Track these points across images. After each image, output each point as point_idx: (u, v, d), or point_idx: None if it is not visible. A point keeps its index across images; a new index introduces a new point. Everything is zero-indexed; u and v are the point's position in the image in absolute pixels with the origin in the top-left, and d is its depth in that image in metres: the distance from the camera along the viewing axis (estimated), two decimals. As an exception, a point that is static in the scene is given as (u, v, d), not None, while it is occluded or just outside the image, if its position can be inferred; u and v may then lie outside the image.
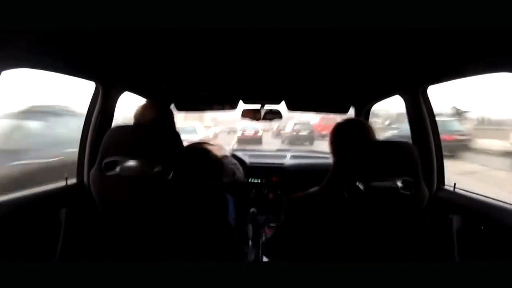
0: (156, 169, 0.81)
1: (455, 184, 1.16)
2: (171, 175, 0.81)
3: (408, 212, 0.85)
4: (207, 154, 1.13)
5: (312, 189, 0.88)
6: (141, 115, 1.02)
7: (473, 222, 1.00)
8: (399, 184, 0.80)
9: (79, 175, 1.26)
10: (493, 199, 1.01)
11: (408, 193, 0.80)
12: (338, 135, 1.00)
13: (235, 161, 1.38)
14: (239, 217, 1.73)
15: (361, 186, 0.77)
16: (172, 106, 1.83)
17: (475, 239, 0.98)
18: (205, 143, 1.49)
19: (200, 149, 1.19)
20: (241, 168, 1.40)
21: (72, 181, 1.23)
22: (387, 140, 0.87)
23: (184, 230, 0.88)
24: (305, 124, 14.19)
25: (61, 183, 1.19)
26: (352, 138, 0.95)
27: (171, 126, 1.06)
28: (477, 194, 1.09)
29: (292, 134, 13.86)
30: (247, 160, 2.16)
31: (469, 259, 1.00)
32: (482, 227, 0.96)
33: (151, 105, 1.05)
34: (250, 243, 1.75)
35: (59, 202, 1.10)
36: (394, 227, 0.85)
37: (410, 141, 1.25)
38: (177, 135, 0.87)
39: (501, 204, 0.96)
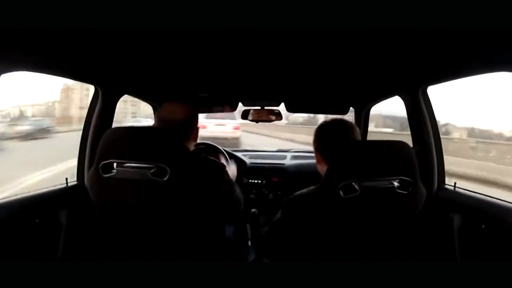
0: (152, 171, 0.80)
1: (455, 183, 1.16)
2: (167, 177, 0.80)
3: (405, 211, 0.85)
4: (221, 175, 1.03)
5: (309, 188, 0.88)
6: (165, 112, 1.00)
7: (474, 221, 1.00)
8: (396, 183, 0.80)
9: (79, 176, 1.26)
10: (494, 198, 1.01)
11: (405, 192, 0.81)
12: (323, 134, 1.02)
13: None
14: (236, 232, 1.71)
15: (357, 186, 0.77)
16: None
17: (476, 238, 0.98)
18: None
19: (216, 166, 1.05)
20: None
21: (73, 182, 1.23)
22: (382, 140, 0.87)
23: (181, 232, 0.88)
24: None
25: (62, 185, 1.19)
26: (337, 138, 0.97)
27: (193, 129, 1.03)
28: (478, 193, 1.09)
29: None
30: (248, 160, 2.16)
31: (470, 258, 1.00)
32: (483, 226, 0.96)
33: (178, 104, 1.02)
34: (250, 243, 1.74)
35: (59, 204, 1.10)
36: (391, 227, 0.85)
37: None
38: (174, 136, 0.86)
39: (501, 203, 0.96)
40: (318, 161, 1.03)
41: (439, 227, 1.09)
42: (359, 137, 1.01)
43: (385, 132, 10.00)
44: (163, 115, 1.00)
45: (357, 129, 1.01)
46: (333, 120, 1.04)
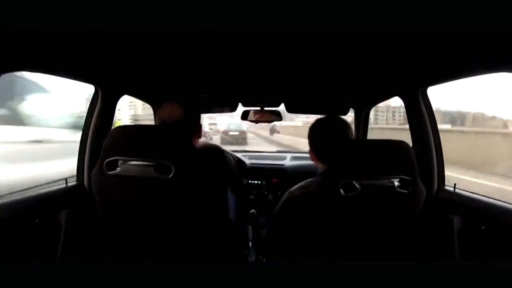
0: (156, 168, 0.81)
1: (455, 184, 1.16)
2: (171, 174, 0.81)
3: (405, 210, 0.86)
4: (224, 158, 1.07)
5: (307, 181, 0.91)
6: (167, 113, 0.98)
7: (474, 222, 1.00)
8: (396, 182, 0.81)
9: (79, 177, 1.25)
10: (493, 199, 1.01)
11: (405, 191, 0.81)
12: (317, 132, 1.04)
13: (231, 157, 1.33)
14: (240, 217, 1.72)
15: (357, 185, 0.78)
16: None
17: (476, 239, 0.98)
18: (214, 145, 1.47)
19: (217, 151, 1.10)
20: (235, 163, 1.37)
21: (72, 183, 1.23)
22: (382, 139, 0.87)
23: (185, 230, 0.88)
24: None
25: (61, 185, 1.19)
26: (331, 136, 0.99)
27: (196, 127, 1.03)
28: (478, 194, 1.09)
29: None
30: (247, 161, 2.16)
31: (470, 259, 1.00)
32: (483, 227, 0.96)
33: (178, 104, 1.00)
34: (250, 244, 1.74)
35: (59, 204, 1.10)
36: (391, 225, 0.85)
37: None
38: (180, 135, 0.86)
39: (501, 204, 0.96)
40: (312, 158, 1.06)
41: (439, 228, 1.09)
42: (352, 136, 1.04)
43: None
44: (163, 115, 0.99)
45: (351, 127, 1.03)
46: (327, 118, 1.06)
